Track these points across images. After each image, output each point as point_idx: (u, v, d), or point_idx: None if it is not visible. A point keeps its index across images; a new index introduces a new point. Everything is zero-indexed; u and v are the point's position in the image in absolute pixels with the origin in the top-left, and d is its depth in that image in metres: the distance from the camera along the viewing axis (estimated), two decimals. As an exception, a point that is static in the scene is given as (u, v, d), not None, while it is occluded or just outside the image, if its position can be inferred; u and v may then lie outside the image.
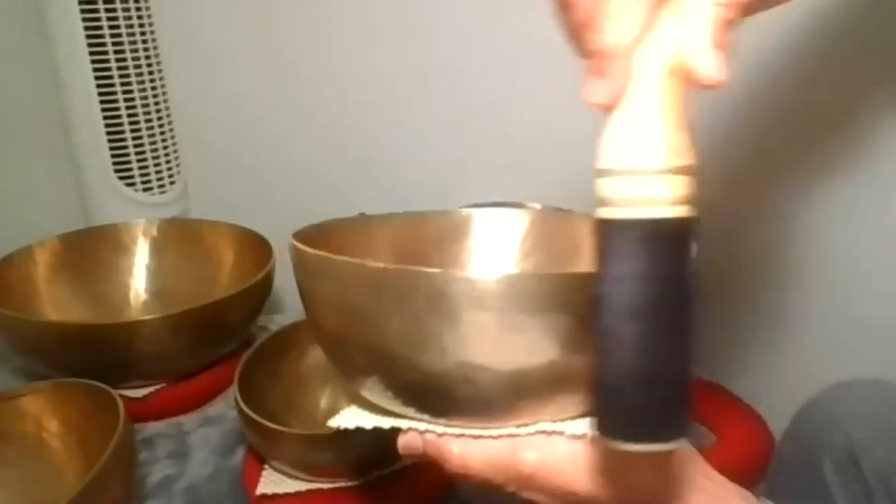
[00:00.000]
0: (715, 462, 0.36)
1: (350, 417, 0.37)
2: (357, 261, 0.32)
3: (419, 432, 0.35)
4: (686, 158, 0.26)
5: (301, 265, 0.36)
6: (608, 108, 0.26)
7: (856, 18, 0.70)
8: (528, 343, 0.30)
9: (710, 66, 0.25)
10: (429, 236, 0.48)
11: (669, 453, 0.32)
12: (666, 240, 0.26)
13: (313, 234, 0.41)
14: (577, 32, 0.28)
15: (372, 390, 0.36)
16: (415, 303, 0.30)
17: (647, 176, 0.25)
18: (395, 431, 0.36)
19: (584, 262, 0.46)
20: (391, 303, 0.31)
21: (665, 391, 0.26)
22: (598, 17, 0.27)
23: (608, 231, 0.26)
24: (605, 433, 0.27)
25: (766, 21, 0.32)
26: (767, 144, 0.82)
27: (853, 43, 0.70)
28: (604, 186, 0.26)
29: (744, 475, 0.36)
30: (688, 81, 0.26)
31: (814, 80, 0.73)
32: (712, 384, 0.66)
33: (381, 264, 0.31)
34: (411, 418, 0.35)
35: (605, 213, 0.26)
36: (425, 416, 0.35)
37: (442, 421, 0.34)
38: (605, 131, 0.26)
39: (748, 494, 0.34)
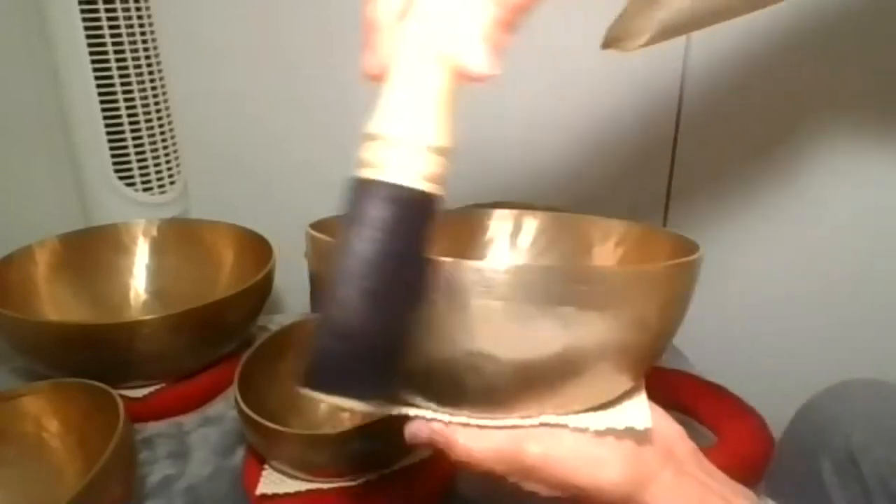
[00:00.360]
0: (715, 462, 0.37)
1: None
2: None
3: (426, 420, 0.35)
4: (441, 141, 0.28)
5: (316, 253, 0.37)
6: (377, 79, 0.28)
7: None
8: (534, 334, 0.31)
9: (479, 59, 0.27)
10: (444, 235, 0.49)
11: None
12: (409, 207, 0.27)
13: (330, 224, 0.41)
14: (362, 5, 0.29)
15: None
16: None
17: (405, 147, 0.27)
18: (402, 418, 0.36)
19: (594, 262, 0.48)
20: None
21: (374, 348, 0.27)
22: None
23: (361, 188, 0.28)
24: (306, 382, 0.27)
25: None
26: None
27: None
28: (366, 148, 0.28)
29: (743, 475, 0.36)
30: (457, 70, 0.27)
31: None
32: (712, 384, 0.66)
33: None
34: (418, 406, 0.36)
35: (363, 172, 0.28)
36: (431, 405, 0.35)
37: (448, 409, 0.35)
38: (378, 101, 0.28)
39: (749, 493, 0.35)
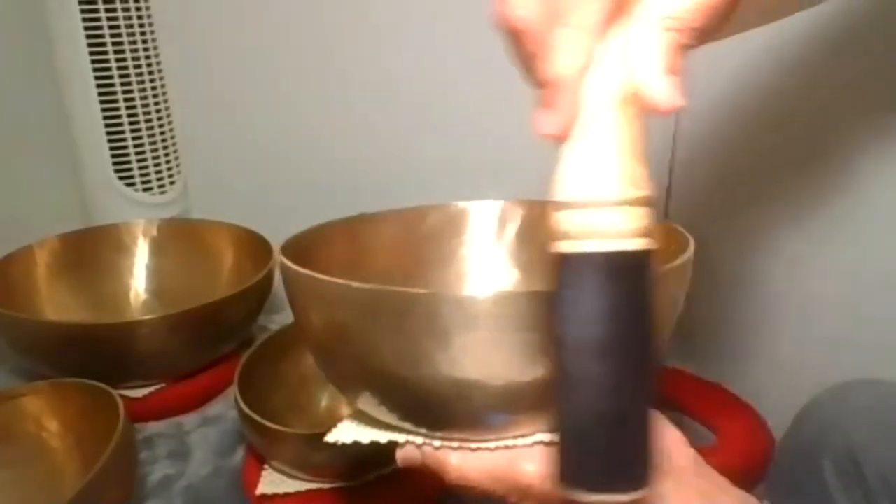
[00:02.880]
0: (715, 462, 0.36)
1: (346, 432, 0.37)
2: (344, 282, 0.31)
3: (416, 446, 0.34)
4: (642, 189, 0.25)
5: (288, 281, 0.36)
6: (560, 139, 0.26)
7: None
8: (521, 359, 0.30)
9: (663, 92, 0.25)
10: (426, 232, 0.48)
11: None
12: (625, 272, 0.24)
13: (305, 240, 0.41)
14: (529, 63, 0.26)
15: (368, 404, 0.35)
16: (405, 323, 0.30)
17: (604, 208, 0.24)
18: (392, 444, 0.35)
19: None
20: (381, 323, 0.31)
21: (629, 433, 0.25)
22: (547, 47, 0.25)
23: (566, 264, 0.25)
24: (567, 482, 0.25)
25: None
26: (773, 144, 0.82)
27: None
28: (561, 219, 0.25)
29: (744, 475, 0.36)
30: (642, 108, 0.25)
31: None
32: (712, 384, 0.66)
33: (368, 285, 0.30)
34: (408, 431, 0.35)
35: (564, 246, 0.25)
36: (422, 430, 0.34)
37: (439, 434, 0.34)
38: (560, 164, 0.25)
39: (753, 500, 0.34)
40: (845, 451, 0.47)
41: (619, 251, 0.24)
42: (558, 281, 0.25)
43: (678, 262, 0.33)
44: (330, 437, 0.37)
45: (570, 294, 0.24)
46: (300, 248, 0.39)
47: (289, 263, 0.34)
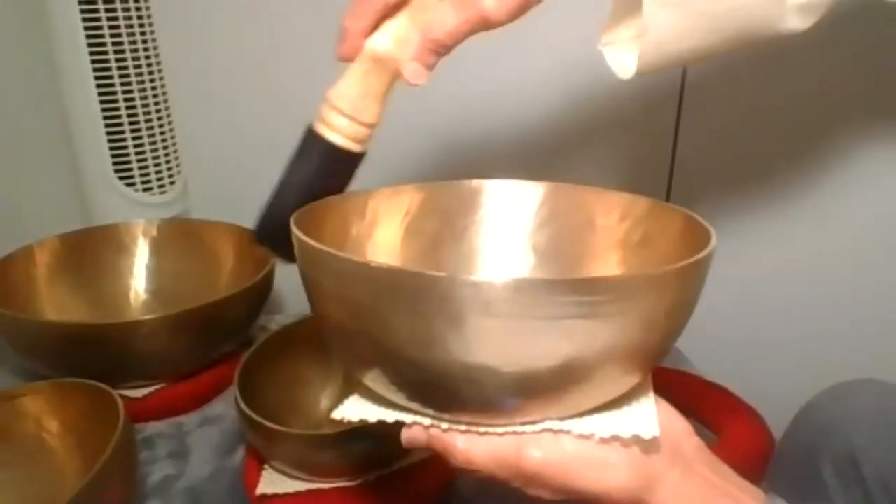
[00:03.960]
0: (715, 462, 0.36)
1: (354, 409, 0.37)
2: (361, 260, 0.31)
3: (424, 427, 0.34)
4: (367, 118, 0.42)
5: (303, 255, 0.35)
6: (344, 61, 0.42)
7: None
8: (534, 347, 0.30)
9: (408, 70, 0.40)
10: (439, 209, 0.48)
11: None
12: (333, 155, 0.42)
13: (318, 211, 0.41)
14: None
15: (376, 382, 0.35)
16: (419, 304, 0.29)
17: (342, 116, 0.41)
18: (399, 424, 0.35)
19: (597, 236, 0.46)
20: (395, 303, 0.30)
21: (282, 229, 0.38)
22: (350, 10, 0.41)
23: (312, 136, 0.43)
24: (255, 238, 0.44)
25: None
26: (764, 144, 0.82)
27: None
28: (323, 109, 0.42)
29: (743, 475, 0.36)
30: (390, 68, 0.41)
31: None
32: (712, 384, 0.66)
33: (385, 265, 0.30)
34: (415, 412, 0.35)
35: (316, 125, 0.42)
36: (430, 411, 0.34)
37: (446, 416, 0.34)
38: (342, 78, 0.42)
39: (758, 491, 0.34)
40: (845, 451, 0.47)
41: (337, 144, 0.42)
42: (300, 142, 0.43)
43: (701, 255, 0.32)
44: (336, 414, 0.37)
45: (301, 151, 0.43)
46: (312, 220, 0.38)
47: (304, 238, 0.34)
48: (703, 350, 0.71)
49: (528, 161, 0.84)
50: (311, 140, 0.43)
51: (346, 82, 0.42)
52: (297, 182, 0.43)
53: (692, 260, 0.32)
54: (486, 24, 0.39)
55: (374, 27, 0.41)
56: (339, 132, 0.42)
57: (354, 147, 0.42)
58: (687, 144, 0.84)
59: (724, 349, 0.83)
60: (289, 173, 0.43)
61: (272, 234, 0.43)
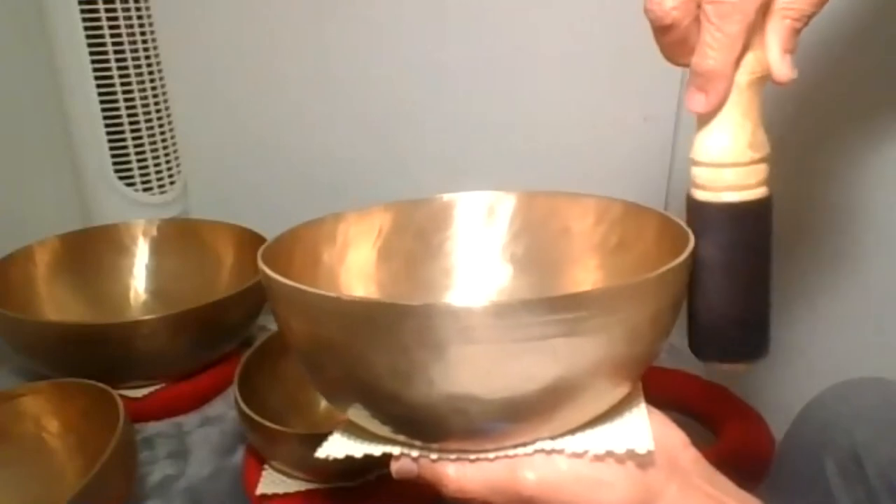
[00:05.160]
0: (715, 462, 0.36)
1: (338, 446, 0.36)
2: (331, 294, 0.30)
3: (412, 458, 0.34)
4: (763, 151, 0.34)
5: (271, 291, 0.33)
6: (706, 116, 0.34)
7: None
8: (519, 370, 0.29)
9: (783, 68, 0.33)
10: (411, 228, 0.46)
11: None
12: (752, 215, 0.34)
13: (285, 243, 0.39)
14: (673, 50, 0.35)
15: (359, 417, 0.34)
16: (396, 337, 0.28)
17: (737, 167, 0.34)
18: (387, 457, 0.34)
19: (574, 243, 0.45)
20: (370, 337, 0.29)
21: (748, 329, 0.35)
22: (691, 38, 0.33)
23: (706, 210, 0.34)
24: (703, 356, 0.37)
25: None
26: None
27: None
28: (700, 174, 0.34)
29: (744, 475, 0.36)
30: (765, 82, 0.34)
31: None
32: (712, 384, 0.66)
33: (357, 297, 0.30)
34: (403, 444, 0.34)
35: (701, 195, 0.35)
36: (417, 442, 0.33)
37: (435, 446, 0.33)
38: (704, 130, 0.34)
39: (755, 501, 0.34)
40: (847, 450, 0.47)
41: (747, 200, 0.34)
42: (697, 221, 0.35)
43: (680, 260, 0.32)
44: (321, 453, 0.36)
45: (709, 231, 0.34)
46: (280, 251, 0.37)
47: (269, 272, 0.32)
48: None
49: (518, 168, 0.83)
50: (717, 216, 0.35)
51: (724, 127, 0.34)
52: (729, 271, 0.35)
53: (672, 265, 0.31)
54: None
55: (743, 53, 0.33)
56: (748, 188, 0.34)
57: (765, 192, 0.35)
58: (687, 145, 0.84)
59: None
60: (714, 277, 0.35)
61: (719, 343, 0.37)
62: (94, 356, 0.61)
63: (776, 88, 0.34)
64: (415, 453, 0.33)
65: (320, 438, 0.51)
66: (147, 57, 0.80)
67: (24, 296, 0.70)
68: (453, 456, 0.33)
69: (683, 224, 0.36)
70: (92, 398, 0.53)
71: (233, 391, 0.54)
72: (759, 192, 0.34)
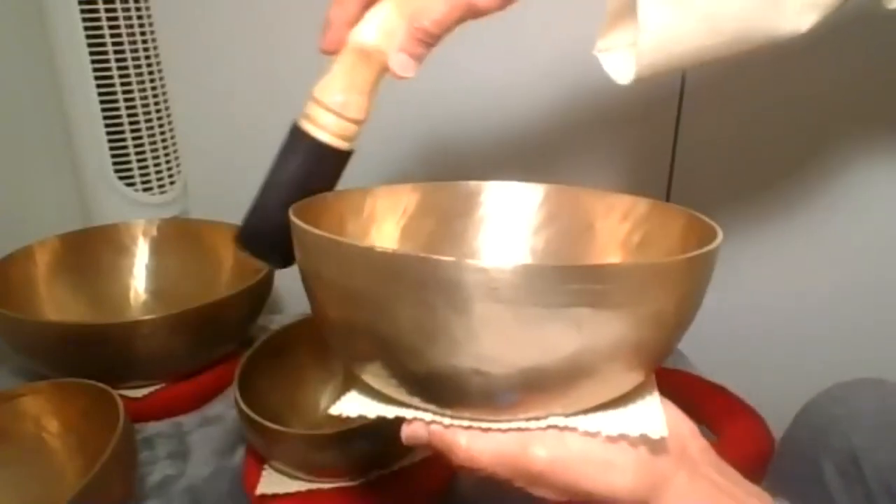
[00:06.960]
0: (715, 462, 0.36)
1: (352, 405, 0.36)
2: (364, 245, 0.31)
3: (425, 423, 0.34)
4: (353, 113, 0.40)
5: (302, 245, 0.34)
6: (328, 54, 0.40)
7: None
8: (545, 337, 0.29)
9: (395, 62, 0.39)
10: (436, 210, 0.47)
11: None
12: (332, 158, 0.41)
13: (314, 207, 0.40)
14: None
15: (376, 377, 0.34)
16: (424, 291, 0.28)
17: (330, 113, 0.40)
18: (399, 421, 0.34)
19: (596, 239, 0.45)
20: (399, 290, 0.29)
21: (274, 230, 0.38)
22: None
23: (297, 133, 0.41)
24: (240, 242, 0.42)
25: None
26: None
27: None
28: (308, 106, 0.40)
29: (744, 475, 0.36)
30: (381, 65, 0.39)
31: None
32: (712, 384, 0.66)
33: (390, 249, 0.30)
34: (416, 408, 0.34)
35: (301, 123, 0.40)
36: (431, 406, 0.33)
37: (449, 412, 0.33)
38: (327, 72, 0.40)
39: (764, 493, 0.34)
40: (846, 451, 0.47)
41: (323, 142, 0.40)
42: (287, 140, 0.41)
43: (710, 247, 0.32)
44: (334, 410, 0.36)
45: (288, 149, 0.41)
46: (308, 213, 0.37)
47: (304, 226, 0.33)
48: (703, 350, 0.71)
49: (524, 161, 0.84)
50: (297, 138, 0.41)
51: (331, 77, 0.39)
52: (282, 182, 0.41)
53: (703, 250, 0.31)
54: (474, 12, 0.38)
55: (359, 17, 0.39)
56: (324, 129, 0.40)
57: (341, 144, 0.40)
58: (687, 145, 0.84)
59: (724, 349, 0.83)
60: (274, 173, 0.41)
61: (258, 238, 0.42)
62: (94, 356, 0.61)
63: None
64: (428, 417, 0.33)
65: (320, 438, 0.52)
66: (147, 57, 0.80)
67: (24, 296, 0.70)
68: (466, 424, 0.33)
69: (711, 222, 0.36)
70: (92, 398, 0.53)
71: (233, 391, 0.54)
72: (338, 143, 0.40)
